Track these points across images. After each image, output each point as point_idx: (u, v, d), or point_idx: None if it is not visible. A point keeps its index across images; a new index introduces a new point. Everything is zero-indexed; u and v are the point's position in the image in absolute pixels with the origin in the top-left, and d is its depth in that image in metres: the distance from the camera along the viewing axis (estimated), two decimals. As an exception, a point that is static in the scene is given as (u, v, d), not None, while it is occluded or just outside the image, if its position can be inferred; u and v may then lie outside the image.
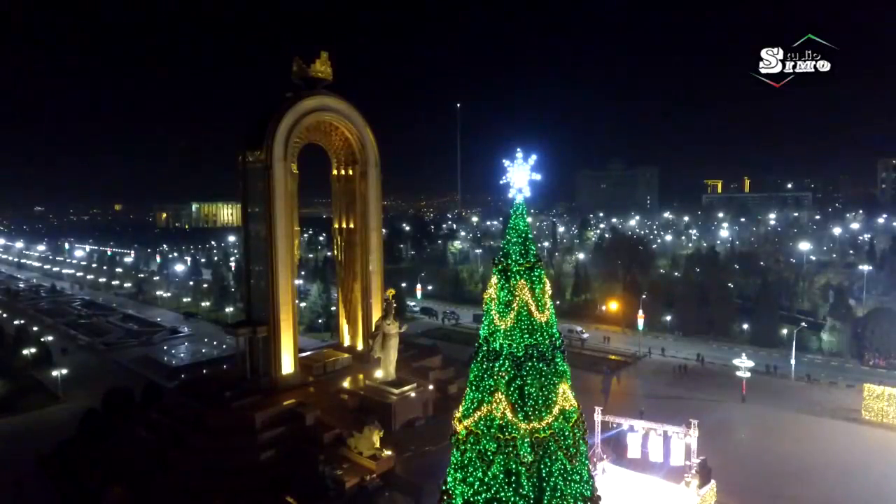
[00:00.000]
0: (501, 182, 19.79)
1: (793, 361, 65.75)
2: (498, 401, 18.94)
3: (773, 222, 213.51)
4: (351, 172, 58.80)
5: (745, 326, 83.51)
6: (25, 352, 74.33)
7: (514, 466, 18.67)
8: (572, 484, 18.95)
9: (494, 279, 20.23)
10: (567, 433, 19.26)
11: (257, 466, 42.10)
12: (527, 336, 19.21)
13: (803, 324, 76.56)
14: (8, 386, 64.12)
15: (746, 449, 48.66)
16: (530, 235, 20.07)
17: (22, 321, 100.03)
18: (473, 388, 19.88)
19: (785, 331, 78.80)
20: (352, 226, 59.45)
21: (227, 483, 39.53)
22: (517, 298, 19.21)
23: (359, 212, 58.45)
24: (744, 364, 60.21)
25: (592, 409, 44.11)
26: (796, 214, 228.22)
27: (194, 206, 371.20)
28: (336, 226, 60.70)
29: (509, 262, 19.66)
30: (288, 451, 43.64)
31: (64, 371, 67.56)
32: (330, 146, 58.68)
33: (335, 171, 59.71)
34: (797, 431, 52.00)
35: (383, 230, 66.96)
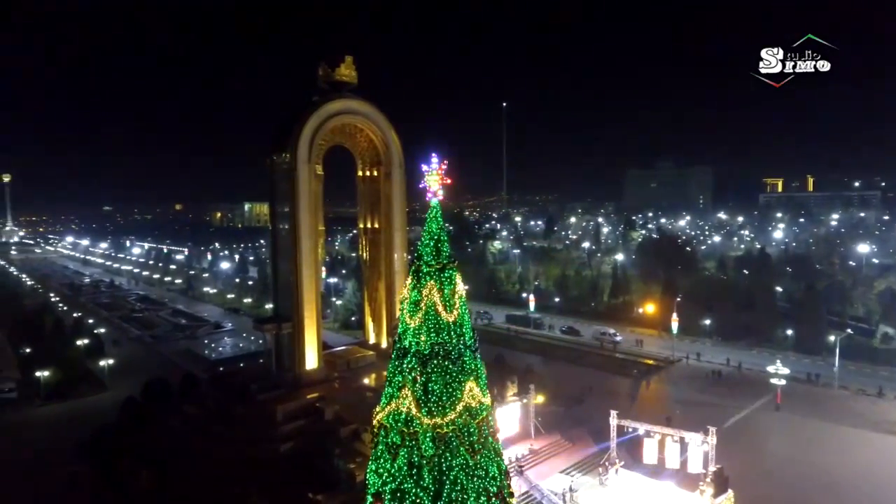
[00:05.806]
0: (420, 186, 20.32)
1: (836, 369, 62.51)
2: (404, 396, 19.85)
3: (834, 223, 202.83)
4: (376, 173, 59.85)
5: (790, 332, 79.84)
6: (79, 343, 79.28)
7: (416, 459, 19.50)
8: (475, 479, 19.56)
9: (409, 280, 20.87)
10: (472, 430, 19.78)
11: (277, 457, 43.67)
12: (433, 334, 19.90)
13: (848, 330, 72.57)
14: (61, 374, 68.53)
15: (773, 459, 46.57)
16: (444, 238, 20.64)
17: (80, 314, 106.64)
18: (388, 383, 20.75)
19: (833, 337, 74.86)
20: (377, 226, 60.48)
21: (248, 472, 41.19)
22: (425, 298, 19.87)
23: (383, 212, 59.41)
24: (778, 371, 57.69)
25: (609, 414, 43.77)
26: (862, 215, 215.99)
27: (247, 206, 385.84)
28: (361, 226, 61.95)
29: (421, 263, 20.16)
30: (307, 443, 45.06)
31: (111, 361, 71.78)
32: (355, 148, 59.91)
33: (360, 173, 60.90)
34: (831, 443, 49.48)
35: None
